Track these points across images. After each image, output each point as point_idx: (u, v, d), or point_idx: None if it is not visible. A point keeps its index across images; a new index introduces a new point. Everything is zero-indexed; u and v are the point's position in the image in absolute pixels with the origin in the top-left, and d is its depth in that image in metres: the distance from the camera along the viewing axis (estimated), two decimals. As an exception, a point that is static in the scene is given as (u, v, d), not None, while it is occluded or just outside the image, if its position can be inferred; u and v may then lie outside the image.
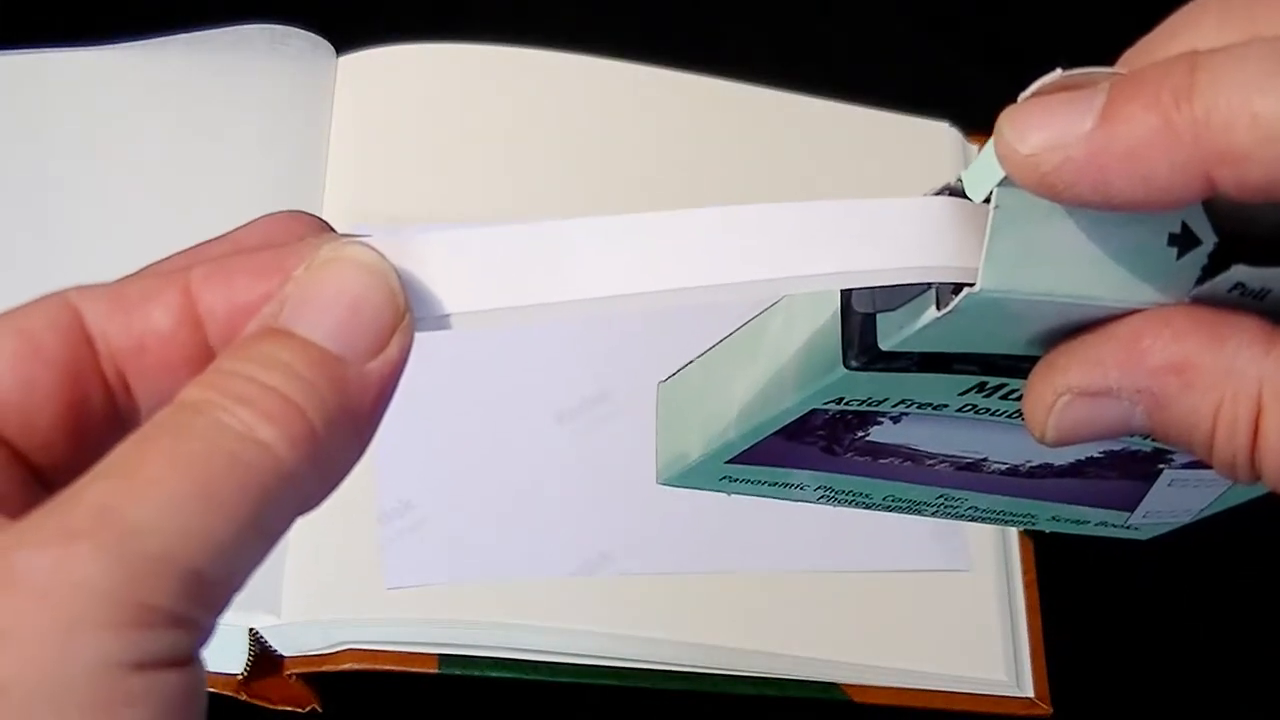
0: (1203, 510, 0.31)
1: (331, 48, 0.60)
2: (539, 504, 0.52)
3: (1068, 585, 0.55)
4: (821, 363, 0.25)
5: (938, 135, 0.60)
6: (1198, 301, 0.22)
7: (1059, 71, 0.21)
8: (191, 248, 0.23)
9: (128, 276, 0.22)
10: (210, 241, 0.23)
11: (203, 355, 0.21)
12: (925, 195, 0.23)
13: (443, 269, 0.22)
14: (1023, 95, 0.21)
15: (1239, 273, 0.21)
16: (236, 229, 0.23)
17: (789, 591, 0.52)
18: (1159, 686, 0.54)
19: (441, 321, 0.22)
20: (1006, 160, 0.21)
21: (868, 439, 0.28)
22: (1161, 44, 0.22)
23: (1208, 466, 0.28)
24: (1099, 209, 0.21)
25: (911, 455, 0.29)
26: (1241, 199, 0.20)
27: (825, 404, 0.26)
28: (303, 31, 0.60)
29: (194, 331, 0.21)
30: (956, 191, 0.22)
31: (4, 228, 0.54)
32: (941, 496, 0.31)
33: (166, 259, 0.23)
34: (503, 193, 0.58)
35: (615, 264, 0.22)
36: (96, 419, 0.21)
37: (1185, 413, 0.21)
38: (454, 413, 0.54)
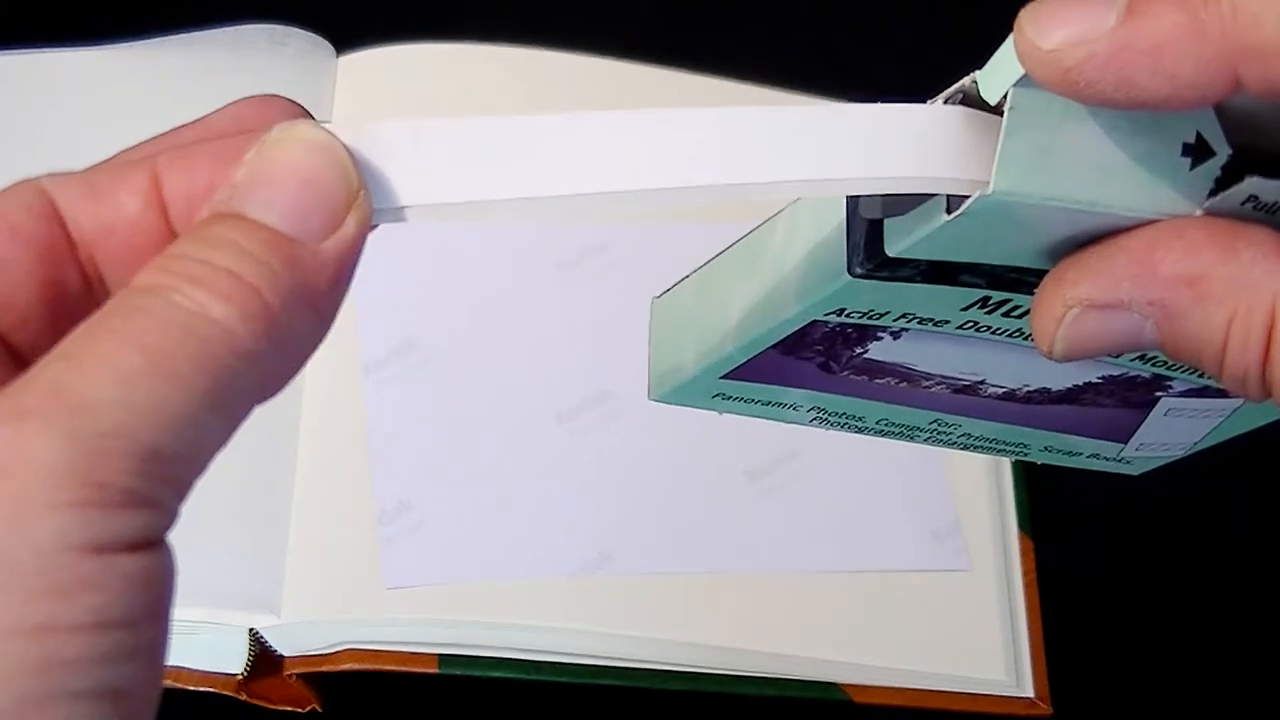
0: (1197, 443, 0.31)
1: (331, 48, 0.60)
2: (539, 504, 0.52)
3: (1068, 585, 0.55)
4: (825, 270, 0.24)
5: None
6: (1210, 214, 0.21)
7: None
8: (164, 133, 0.23)
9: (100, 163, 0.22)
10: (183, 127, 0.23)
11: (168, 239, 0.21)
12: (939, 100, 0.22)
13: (400, 158, 0.21)
14: None
15: (1253, 185, 0.21)
16: (209, 114, 0.23)
17: (789, 591, 0.52)
18: (1159, 686, 0.54)
19: (396, 214, 0.21)
20: (1027, 57, 0.20)
21: (866, 356, 0.27)
22: None
23: (1206, 395, 0.27)
24: (1121, 107, 0.20)
25: (908, 375, 0.28)
26: (1268, 97, 0.20)
27: (826, 315, 0.25)
28: (303, 31, 0.60)
29: (160, 216, 0.21)
30: (970, 93, 0.22)
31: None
32: (935, 421, 0.30)
33: (139, 145, 0.23)
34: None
35: (588, 162, 0.21)
36: (72, 300, 0.21)
37: (1197, 325, 0.21)
38: (453, 413, 0.54)
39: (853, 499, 0.54)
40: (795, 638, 0.52)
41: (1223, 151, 0.21)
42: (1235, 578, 0.56)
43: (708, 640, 0.51)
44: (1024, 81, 0.21)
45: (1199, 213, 0.22)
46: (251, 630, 0.49)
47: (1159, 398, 0.29)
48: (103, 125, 0.57)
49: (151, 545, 0.18)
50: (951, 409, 0.29)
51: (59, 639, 0.17)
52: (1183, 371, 0.27)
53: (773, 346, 0.27)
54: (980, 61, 0.23)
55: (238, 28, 0.60)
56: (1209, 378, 0.23)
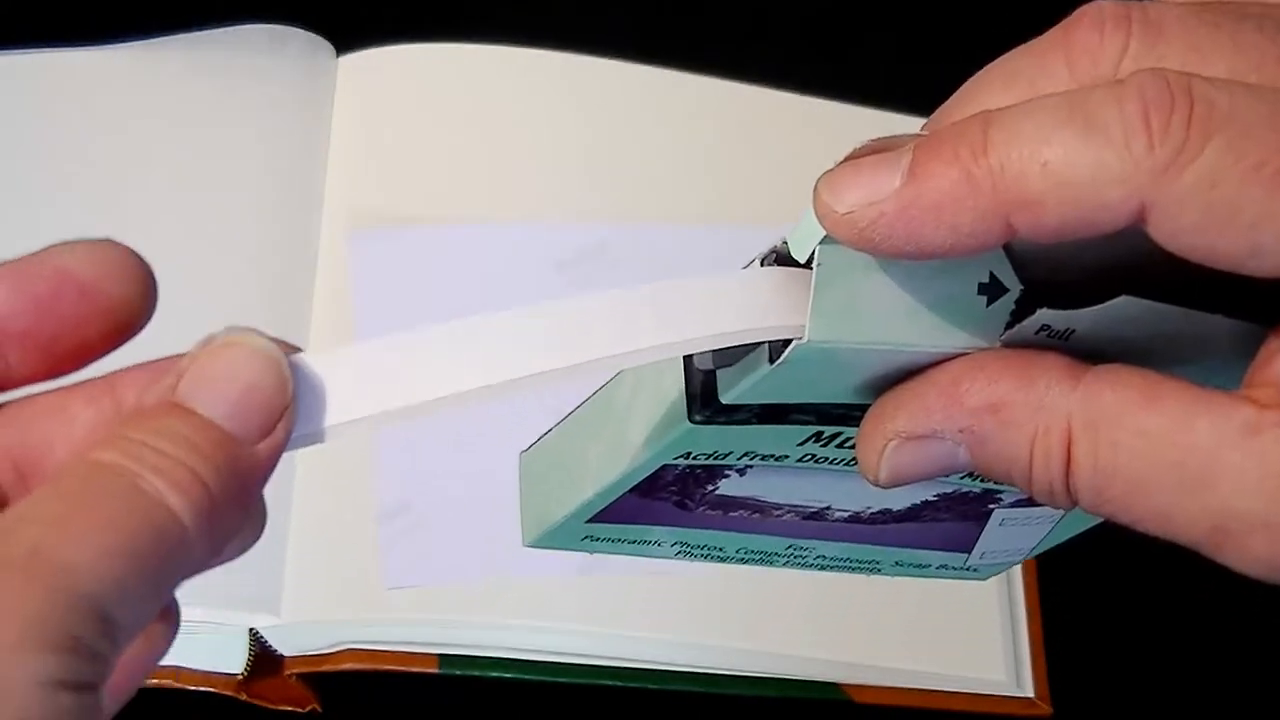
0: (1034, 548, 0.33)
1: (331, 48, 0.60)
2: (539, 504, 0.52)
3: (1068, 585, 0.55)
4: (668, 419, 0.27)
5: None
6: (1009, 345, 0.24)
7: (870, 140, 0.23)
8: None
9: None
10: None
11: None
12: (754, 262, 0.25)
13: (312, 387, 0.23)
14: (838, 162, 0.23)
15: (1044, 315, 0.23)
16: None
17: (789, 591, 0.52)
18: (1159, 686, 0.54)
19: (316, 436, 0.23)
20: (826, 219, 0.22)
21: (717, 492, 0.29)
22: (957, 107, 0.24)
23: (1035, 504, 0.29)
24: (914, 258, 0.22)
25: (759, 507, 0.30)
26: (1040, 240, 0.22)
27: (674, 459, 0.27)
28: (303, 31, 0.60)
29: None
30: (782, 253, 0.24)
31: (3, 227, 0.54)
32: (791, 547, 0.32)
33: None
34: (502, 193, 0.59)
35: (467, 361, 0.24)
36: None
37: (1003, 447, 0.23)
38: (453, 413, 0.54)
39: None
40: (795, 638, 0.52)
41: (1014, 288, 0.23)
42: (1235, 578, 0.56)
43: (707, 640, 0.51)
44: (828, 240, 0.23)
45: (998, 344, 0.24)
46: (251, 630, 0.49)
47: (992, 509, 0.31)
48: (104, 125, 0.57)
49: (98, 689, 0.20)
50: (804, 534, 0.31)
51: None
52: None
53: (630, 490, 0.29)
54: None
55: (238, 28, 0.60)
56: None
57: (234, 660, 0.49)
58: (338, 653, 0.50)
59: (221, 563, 0.23)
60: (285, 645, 0.50)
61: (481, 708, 0.52)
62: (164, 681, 0.49)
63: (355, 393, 0.23)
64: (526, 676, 0.51)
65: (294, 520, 0.51)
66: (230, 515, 0.22)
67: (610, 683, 0.51)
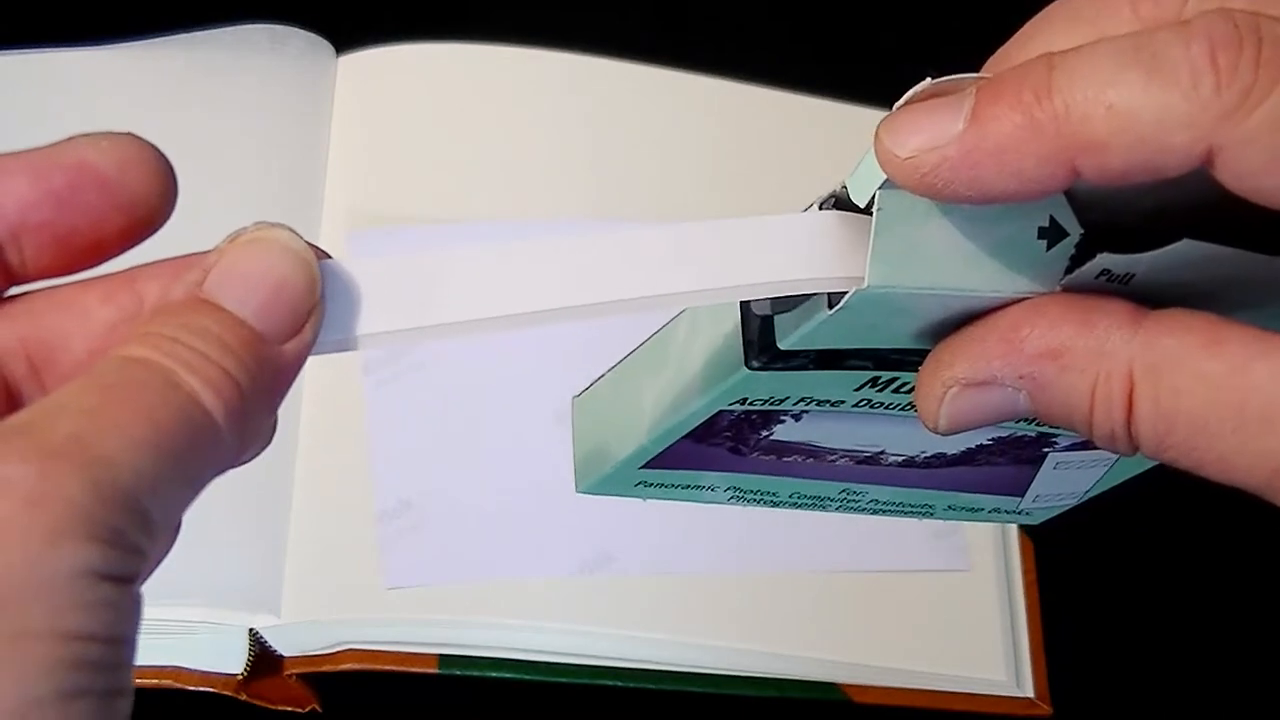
0: (1088, 491, 0.33)
1: (331, 48, 0.60)
2: (539, 504, 0.52)
3: (1068, 585, 0.55)
4: (725, 365, 0.26)
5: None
6: (1069, 289, 0.23)
7: (929, 80, 0.22)
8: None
9: None
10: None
11: None
12: (812, 206, 0.24)
13: (344, 292, 0.23)
14: (897, 104, 0.22)
15: (1104, 260, 0.23)
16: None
17: (789, 591, 0.52)
18: (1159, 686, 0.54)
19: (346, 343, 0.23)
20: (887, 164, 0.22)
21: (772, 438, 0.29)
22: (1019, 49, 0.24)
23: (1089, 448, 0.29)
24: (975, 203, 0.22)
25: (813, 452, 0.30)
26: (1104, 184, 0.21)
27: (730, 405, 0.27)
28: (303, 31, 0.60)
29: None
30: (841, 198, 0.24)
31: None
32: (844, 491, 0.32)
33: None
34: (502, 193, 0.59)
35: (509, 287, 0.23)
36: None
37: (1064, 393, 0.23)
38: (453, 412, 0.54)
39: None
40: (795, 638, 0.52)
41: (1075, 232, 0.23)
42: (1235, 577, 0.56)
43: (708, 640, 0.51)
44: (888, 184, 0.23)
45: (1058, 289, 0.23)
46: (251, 630, 0.49)
47: (1047, 453, 0.31)
48: (103, 125, 0.57)
49: (135, 582, 0.20)
50: (857, 478, 0.31)
51: (85, 645, 0.19)
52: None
53: (685, 436, 0.29)
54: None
55: (238, 28, 0.60)
56: None
57: (234, 660, 0.49)
58: (338, 653, 0.50)
59: (239, 465, 0.22)
60: (285, 645, 0.50)
61: (481, 708, 0.52)
62: (164, 681, 0.49)
63: (390, 304, 0.23)
64: (526, 676, 0.51)
65: (294, 520, 0.51)
66: (259, 416, 0.22)
67: (610, 683, 0.51)
